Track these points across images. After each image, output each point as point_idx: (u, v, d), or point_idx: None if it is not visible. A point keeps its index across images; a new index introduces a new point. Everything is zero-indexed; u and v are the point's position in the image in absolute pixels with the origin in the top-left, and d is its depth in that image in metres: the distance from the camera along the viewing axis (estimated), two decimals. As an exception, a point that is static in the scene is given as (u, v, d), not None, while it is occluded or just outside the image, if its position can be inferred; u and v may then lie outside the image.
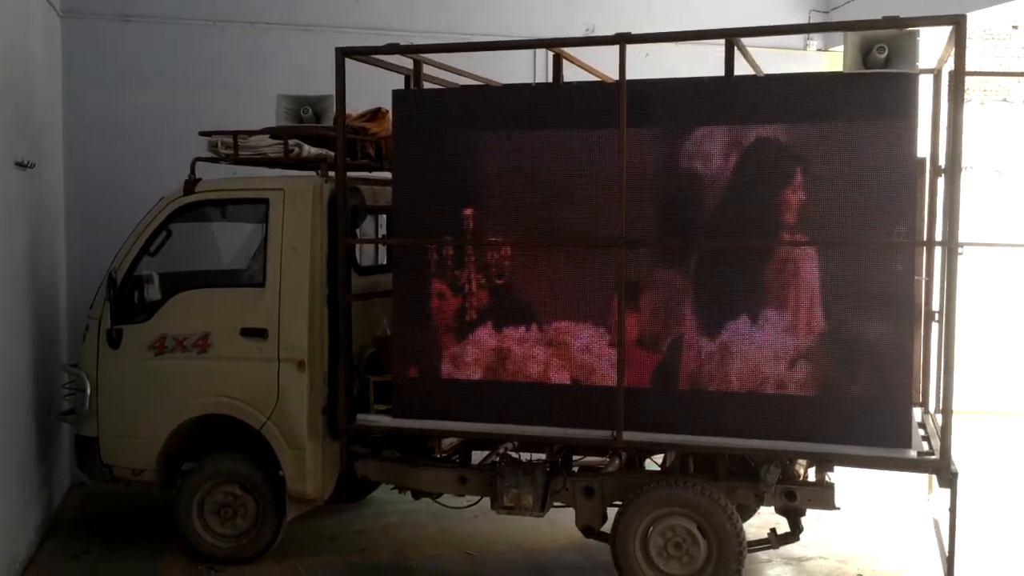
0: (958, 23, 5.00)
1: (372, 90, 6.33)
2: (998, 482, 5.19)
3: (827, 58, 9.01)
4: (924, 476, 6.48)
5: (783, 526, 5.94)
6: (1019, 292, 8.90)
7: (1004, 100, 8.37)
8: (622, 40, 5.40)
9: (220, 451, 6.51)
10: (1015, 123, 5.21)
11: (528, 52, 8.16)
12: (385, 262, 7.06)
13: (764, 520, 6.28)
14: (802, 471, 5.90)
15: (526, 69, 8.18)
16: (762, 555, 6.19)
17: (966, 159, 6.04)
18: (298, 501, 6.29)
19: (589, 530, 5.98)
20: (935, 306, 6.31)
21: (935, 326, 6.27)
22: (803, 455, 5.57)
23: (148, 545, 6.72)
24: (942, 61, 6.02)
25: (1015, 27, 11.70)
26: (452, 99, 5.97)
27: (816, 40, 9.06)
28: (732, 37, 5.48)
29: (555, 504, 6.02)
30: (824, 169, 5.29)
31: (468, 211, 5.87)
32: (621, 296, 5.53)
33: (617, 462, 6.19)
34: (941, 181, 6.11)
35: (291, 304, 6.20)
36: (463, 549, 6.67)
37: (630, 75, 5.39)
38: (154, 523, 7.08)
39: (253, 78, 7.93)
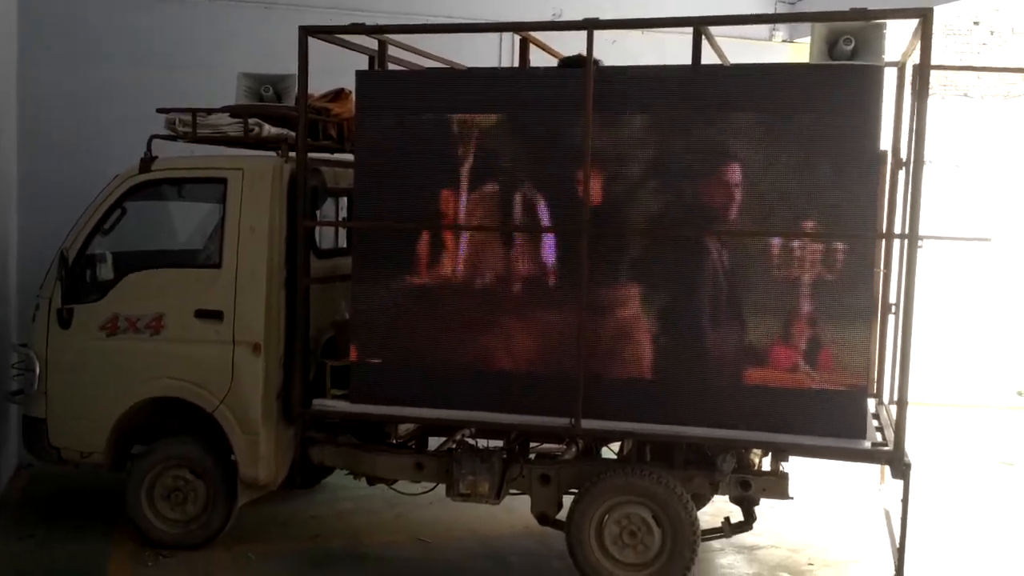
0: (925, 16, 5.02)
1: (335, 70, 6.23)
2: (948, 473, 5.25)
3: (792, 49, 9.04)
4: (876, 466, 6.51)
5: (736, 515, 5.96)
6: (973, 286, 9.05)
7: (964, 95, 8.45)
8: (590, 26, 5.35)
9: (171, 434, 6.39)
10: (974, 118, 5.24)
11: (494, 36, 8.08)
12: (345, 245, 6.97)
13: (717, 508, 6.29)
14: (757, 461, 5.92)
15: (492, 53, 8.11)
16: (714, 544, 6.21)
17: (926, 153, 6.10)
18: (250, 486, 6.19)
19: (544, 518, 5.95)
20: (892, 298, 6.34)
21: (891, 318, 6.31)
22: (759, 444, 5.59)
23: (96, 529, 6.58)
24: (907, 55, 6.04)
25: (976, 23, 11.83)
26: (418, 81, 5.90)
27: (781, 31, 9.09)
28: (700, 25, 5.46)
29: (511, 491, 5.99)
30: (786, 159, 5.28)
31: (431, 195, 5.79)
32: (583, 283, 5.49)
33: (574, 450, 6.17)
34: (901, 174, 6.17)
35: (248, 286, 6.09)
36: (418, 536, 6.62)
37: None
38: (103, 506, 6.94)
39: (214, 55, 7.79)
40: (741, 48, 7.10)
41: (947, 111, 5.89)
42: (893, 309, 6.30)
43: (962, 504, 7.17)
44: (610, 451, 6.55)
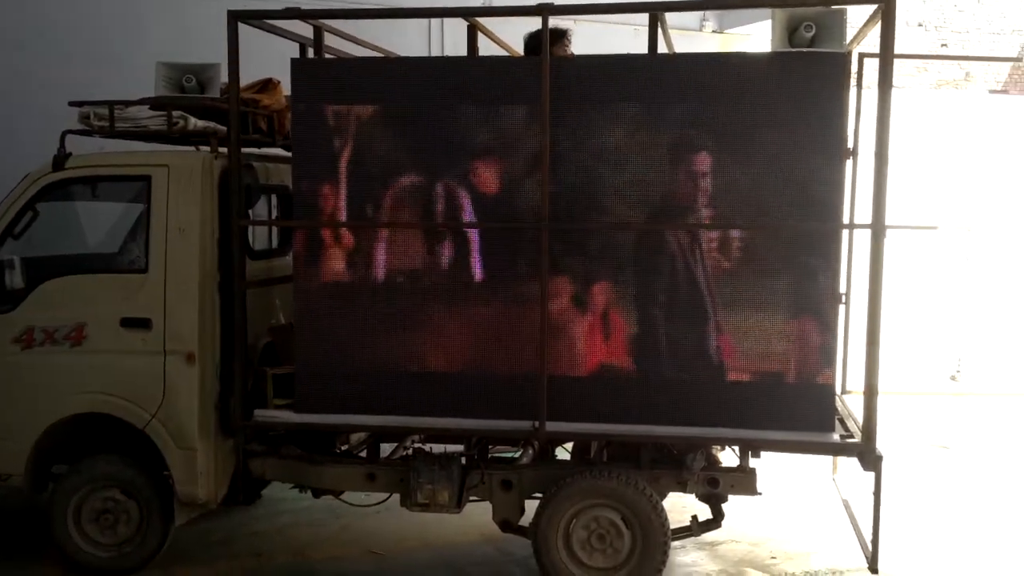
0: (887, 3, 4.91)
1: (258, 60, 5.80)
2: (888, 459, 5.32)
3: (721, 40, 8.96)
4: (828, 456, 6.52)
5: (694, 511, 5.86)
6: (905, 274, 9.17)
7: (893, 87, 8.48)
8: (544, 11, 5.10)
9: (98, 452, 5.94)
10: (901, 109, 5.26)
11: (423, 25, 7.75)
12: (278, 246, 6.60)
13: (672, 504, 6.16)
14: (720, 457, 5.82)
15: (420, 42, 7.77)
16: (675, 541, 6.06)
17: (851, 143, 6.07)
18: (188, 505, 5.80)
19: (507, 524, 5.73)
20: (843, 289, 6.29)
21: (842, 308, 6.27)
22: (728, 441, 5.47)
23: (19, 555, 6.12)
24: (857, 42, 5.95)
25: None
26: (358, 70, 5.52)
27: (711, 21, 8.98)
28: (656, 10, 5.27)
29: (471, 499, 5.74)
30: (749, 150, 5.15)
31: (377, 191, 5.47)
32: (543, 280, 5.27)
33: (531, 452, 5.96)
34: (849, 164, 6.12)
35: (178, 291, 5.67)
36: (368, 548, 6.32)
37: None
38: (27, 530, 6.47)
39: (128, 46, 7.28)
40: (672, 38, 6.91)
41: (868, 101, 5.90)
42: (843, 299, 6.26)
43: (904, 488, 7.23)
44: (564, 451, 6.38)
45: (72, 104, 5.81)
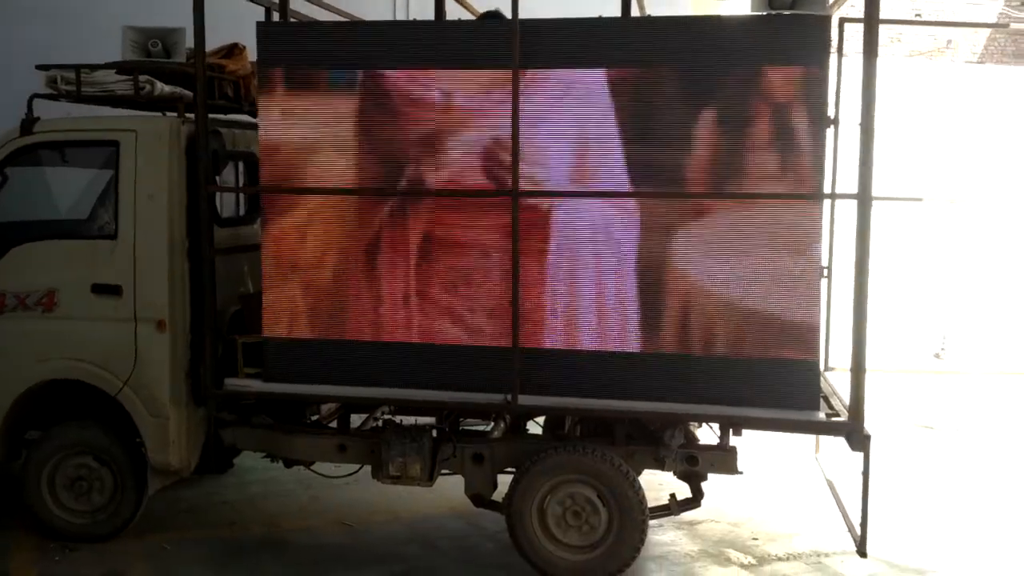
0: (871, -36, 4.66)
1: (224, 25, 5.66)
2: (872, 438, 5.18)
3: (696, 4, 8.64)
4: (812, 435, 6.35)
5: (672, 489, 5.73)
6: (889, 248, 8.93)
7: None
8: (511, -29, 4.90)
9: (71, 420, 5.92)
10: (879, 78, 5.06)
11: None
12: (245, 213, 6.49)
13: (648, 481, 6.04)
14: (698, 434, 5.68)
15: (385, 7, 7.55)
16: (652, 520, 5.95)
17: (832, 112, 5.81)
18: (161, 473, 5.77)
19: (479, 499, 5.66)
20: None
21: (824, 283, 6.07)
22: (708, 418, 5.33)
23: (-8, 522, 6.12)
24: (836, 6, 5.67)
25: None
26: (326, 34, 5.35)
27: (687, -15, 8.65)
28: (631, -28, 5.05)
29: (443, 472, 5.65)
30: (729, 116, 4.96)
31: (343, 157, 5.34)
32: (515, 250, 5.13)
33: (502, 426, 5.85)
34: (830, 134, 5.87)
35: (148, 258, 5.60)
36: (339, 519, 6.27)
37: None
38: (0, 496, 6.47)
39: (92, 8, 7.10)
40: (645, 2, 6.66)
41: (851, 69, 5.67)
42: (825, 273, 6.06)
43: (889, 469, 7.05)
44: (536, 424, 6.27)
45: (39, 67, 5.72)
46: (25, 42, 6.49)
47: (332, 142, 5.33)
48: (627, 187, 5.09)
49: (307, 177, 5.38)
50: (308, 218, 5.42)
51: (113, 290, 5.65)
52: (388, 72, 5.22)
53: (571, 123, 5.10)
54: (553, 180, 5.16)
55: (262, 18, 6.00)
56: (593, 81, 5.05)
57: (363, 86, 5.26)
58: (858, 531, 5.16)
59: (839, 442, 5.19)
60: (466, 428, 6.01)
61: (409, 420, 5.93)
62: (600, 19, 5.08)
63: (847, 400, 5.11)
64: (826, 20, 4.85)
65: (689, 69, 4.95)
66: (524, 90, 5.02)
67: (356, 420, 6.19)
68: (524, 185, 5.11)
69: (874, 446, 5.04)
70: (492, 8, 5.09)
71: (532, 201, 5.17)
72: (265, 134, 5.40)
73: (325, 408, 6.18)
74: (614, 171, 5.10)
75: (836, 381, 5.87)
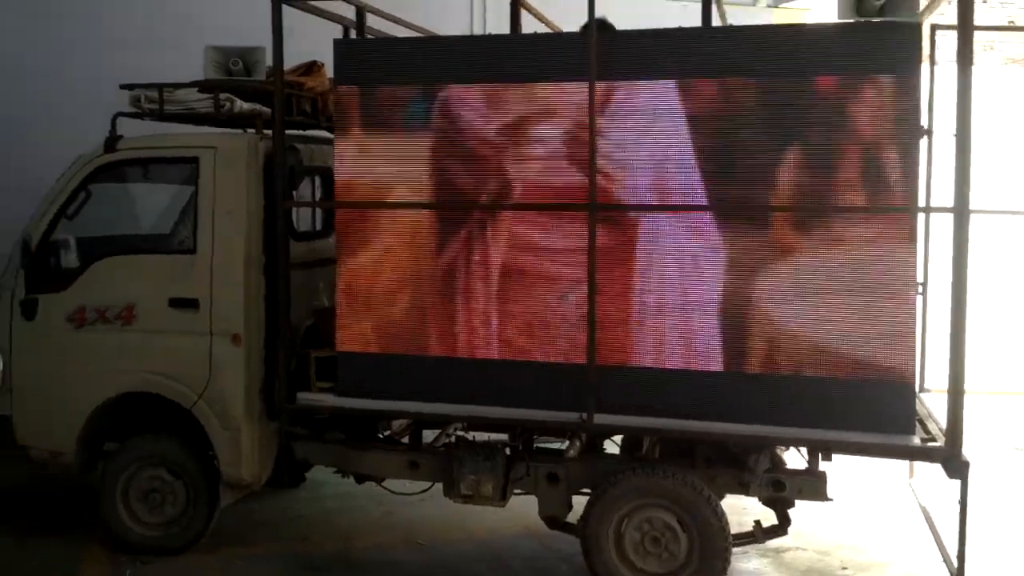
0: (963, -33, 4.50)
1: (303, 43, 5.75)
2: (982, 465, 4.89)
3: (777, 15, 8.49)
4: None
5: (757, 515, 5.54)
6: (988, 265, 8.62)
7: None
8: (589, -18, 4.85)
9: (146, 432, 5.97)
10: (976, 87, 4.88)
11: (466, 6, 7.52)
12: (320, 228, 6.52)
13: (732, 506, 5.85)
14: (785, 458, 5.47)
15: (463, 21, 7.57)
16: (736, 547, 5.73)
17: (925, 122, 5.62)
18: (233, 486, 5.78)
19: (554, 521, 5.53)
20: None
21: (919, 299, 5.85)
22: (797, 442, 5.11)
23: (68, 533, 6.18)
24: (928, 12, 5.50)
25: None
26: (402, 50, 5.37)
27: (768, -7, 8.54)
28: (711, -19, 4.97)
29: (515, 492, 5.54)
30: (819, 127, 4.79)
31: (419, 172, 5.32)
32: (591, 265, 5.02)
33: (578, 444, 5.73)
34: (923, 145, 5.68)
35: (225, 273, 5.65)
36: (411, 538, 6.20)
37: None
38: (75, 508, 6.54)
39: (176, 30, 7.30)
40: (726, 13, 6.56)
41: (943, 78, 5.49)
42: (920, 290, 5.83)
43: (986, 495, 6.71)
44: (613, 443, 6.13)
45: (123, 87, 5.86)
46: (116, 67, 6.62)
47: (407, 156, 5.31)
48: (709, 200, 4.97)
49: (383, 193, 5.37)
50: (383, 233, 5.41)
51: (190, 304, 5.71)
52: (465, 87, 5.19)
53: (652, 137, 5.00)
54: (635, 193, 5.06)
55: (341, 36, 6.05)
56: (672, 93, 4.95)
57: (438, 101, 5.24)
58: (955, 562, 4.86)
59: (935, 467, 4.92)
60: (541, 446, 5.90)
61: (482, 437, 5.85)
62: (685, 29, 5.00)
63: (943, 423, 4.84)
64: (917, 27, 4.68)
65: (773, 79, 4.81)
66: (601, 101, 4.95)
67: (429, 436, 6.11)
68: (605, 198, 5.03)
69: (972, 472, 4.79)
70: (599, 16, 5.02)
71: (612, 216, 5.08)
72: (340, 149, 5.41)
73: (397, 424, 6.14)
74: (696, 185, 4.97)
75: (932, 403, 5.61)
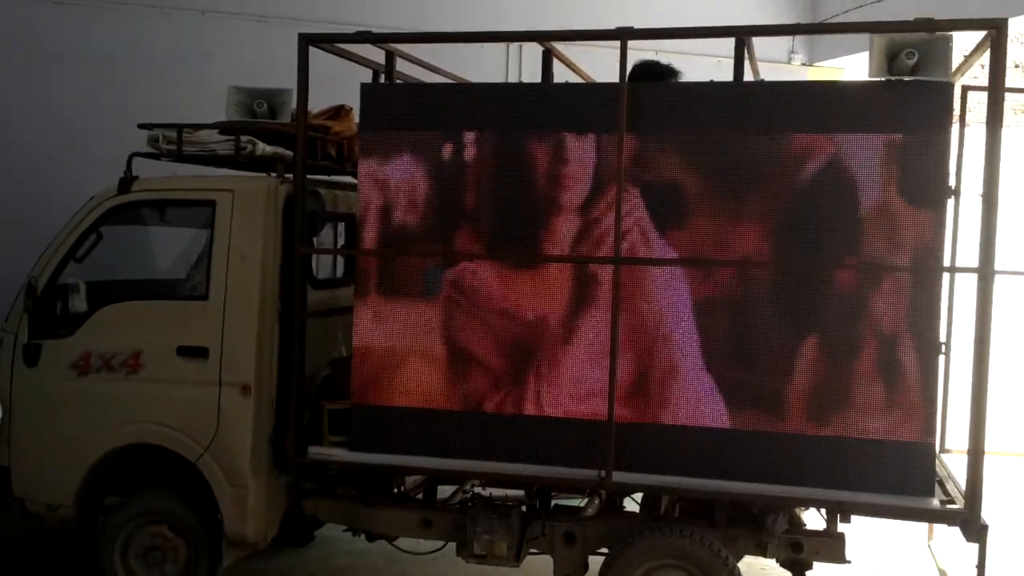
0: (999, 29, 4.52)
1: (332, 87, 5.67)
2: (998, 526, 4.83)
3: (812, 73, 8.59)
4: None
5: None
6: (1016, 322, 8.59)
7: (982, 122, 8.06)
8: (623, 35, 4.83)
9: (149, 486, 5.75)
10: (1004, 148, 4.92)
11: (501, 55, 7.57)
12: (343, 275, 6.39)
13: (749, 566, 5.69)
14: (804, 518, 5.36)
15: (497, 71, 7.60)
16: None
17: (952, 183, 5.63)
18: (237, 544, 5.55)
19: (569, 581, 5.35)
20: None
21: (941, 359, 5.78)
22: (816, 503, 5.01)
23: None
24: (960, 73, 5.54)
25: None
26: (428, 95, 5.32)
27: (800, 53, 8.62)
28: (743, 35, 4.97)
29: (531, 551, 5.38)
30: (848, 185, 4.76)
31: (442, 221, 5.23)
32: (615, 320, 4.93)
33: (596, 502, 5.58)
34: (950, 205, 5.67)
35: (237, 320, 5.48)
36: (424, 599, 6.00)
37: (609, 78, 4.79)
38: (72, 565, 6.29)
39: (198, 70, 7.28)
40: (760, 71, 6.61)
41: (971, 139, 5.57)
42: (943, 349, 5.78)
43: (1007, 560, 6.59)
44: (633, 501, 5.97)
45: (141, 127, 5.74)
46: (137, 106, 6.54)
47: (430, 204, 5.23)
48: (734, 254, 4.92)
49: (403, 239, 5.28)
50: (401, 283, 5.30)
51: (199, 352, 5.53)
52: (489, 133, 5.14)
53: (678, 189, 4.96)
54: (656, 248, 5.00)
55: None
56: (704, 145, 4.92)
57: (462, 148, 5.18)
58: None
59: (954, 528, 4.85)
60: (558, 503, 5.73)
61: (500, 492, 5.68)
62: (712, 83, 4.99)
63: (963, 485, 4.80)
64: (949, 87, 4.71)
65: (806, 136, 4.79)
66: (634, 153, 4.90)
67: (444, 492, 5.93)
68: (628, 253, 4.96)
69: (992, 535, 4.69)
70: (650, 59, 4.97)
71: (634, 270, 5.01)
72: (363, 195, 5.32)
73: (411, 480, 5.95)
74: (722, 237, 4.93)
75: (952, 463, 5.53)
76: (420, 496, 5.82)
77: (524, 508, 5.40)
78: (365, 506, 5.61)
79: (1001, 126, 4.63)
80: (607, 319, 4.97)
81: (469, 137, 5.17)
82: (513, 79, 7.46)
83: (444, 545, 5.67)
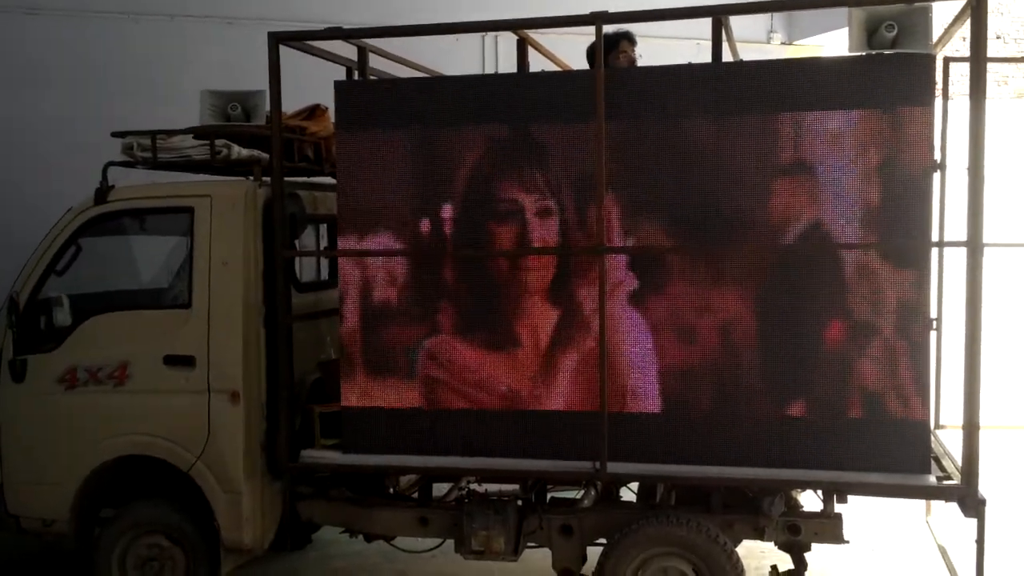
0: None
1: (306, 87, 5.62)
2: (1001, 503, 4.80)
3: (791, 52, 8.52)
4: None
5: (771, 558, 5.36)
6: (1002, 296, 8.55)
7: (965, 95, 8.01)
8: (598, 19, 4.77)
9: (143, 497, 5.71)
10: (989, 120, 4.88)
11: (476, 47, 7.49)
12: (327, 277, 6.34)
13: (748, 549, 5.66)
14: (800, 500, 5.34)
15: (473, 64, 7.51)
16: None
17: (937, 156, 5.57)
18: (234, 552, 5.51)
19: (568, 573, 5.32)
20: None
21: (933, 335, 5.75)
22: (812, 484, 4.98)
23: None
24: (941, 44, 5.48)
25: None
26: (405, 91, 5.24)
27: (780, 32, 8.55)
28: (719, 14, 4.90)
29: (528, 545, 5.35)
30: (831, 162, 4.72)
31: (425, 218, 5.18)
32: (602, 309, 4.89)
33: (592, 493, 5.55)
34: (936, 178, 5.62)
35: (222, 327, 5.43)
36: (424, 596, 5.98)
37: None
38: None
39: (171, 76, 7.17)
40: (739, 51, 6.54)
41: (954, 112, 5.52)
42: (934, 324, 5.75)
43: (1005, 534, 6.56)
44: (629, 491, 5.95)
45: (115, 135, 5.68)
46: (109, 116, 6.43)
47: (412, 202, 5.17)
48: (722, 238, 4.86)
49: (386, 238, 5.23)
50: (387, 281, 5.24)
51: (186, 361, 5.48)
52: (467, 127, 5.07)
53: (659, 175, 4.91)
54: (644, 233, 4.95)
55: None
56: (682, 129, 4.87)
57: (443, 143, 5.12)
58: None
59: (952, 504, 4.83)
60: (555, 496, 5.70)
61: (495, 487, 5.65)
62: (694, 65, 4.92)
63: (959, 460, 4.77)
64: (930, 59, 4.65)
65: (787, 114, 4.74)
66: (611, 140, 4.85)
67: (440, 489, 5.90)
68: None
69: (989, 510, 4.66)
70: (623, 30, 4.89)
71: (620, 257, 4.97)
72: (342, 195, 5.26)
73: (405, 479, 5.92)
74: (709, 221, 4.88)
75: (947, 439, 5.50)
76: (415, 495, 5.78)
77: (520, 502, 5.37)
78: (361, 507, 5.58)
79: (985, 97, 4.58)
80: (594, 310, 4.92)
81: (445, 132, 5.09)
82: (490, 71, 7.38)
83: (442, 543, 5.64)
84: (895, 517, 6.82)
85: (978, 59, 4.53)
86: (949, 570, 5.48)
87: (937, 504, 6.18)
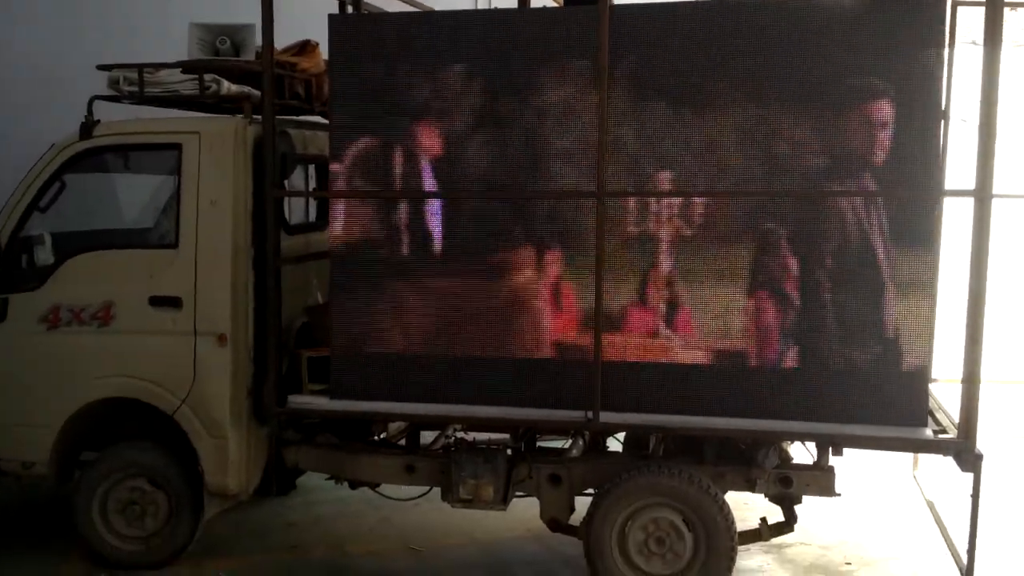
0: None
1: (295, 23, 5.47)
2: (994, 458, 4.78)
3: None
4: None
5: (760, 510, 5.35)
6: (1012, 250, 8.49)
7: (972, 43, 7.86)
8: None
9: (126, 439, 5.62)
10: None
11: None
12: (315, 219, 6.22)
13: (734, 502, 5.62)
14: (792, 452, 5.31)
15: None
16: (740, 545, 5.54)
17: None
18: (218, 496, 5.45)
19: (556, 523, 5.29)
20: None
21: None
22: (806, 436, 4.93)
23: (42, 549, 5.81)
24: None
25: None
26: (402, 25, 5.07)
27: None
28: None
29: (517, 494, 5.31)
30: (836, 108, 4.62)
31: (419, 157, 5.06)
32: (600, 257, 4.81)
33: (581, 443, 5.51)
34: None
35: (210, 268, 5.32)
36: (408, 543, 5.91)
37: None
38: (50, 522, 6.18)
39: (156, 9, 6.92)
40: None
41: (959, 59, 5.41)
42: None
43: (996, 488, 6.57)
44: (616, 440, 5.91)
45: (100, 68, 5.51)
46: (97, 52, 6.21)
47: (406, 141, 5.05)
48: (720, 184, 4.78)
49: (379, 179, 5.11)
50: (378, 224, 5.14)
51: (173, 302, 5.38)
52: (466, 64, 4.93)
53: (662, 117, 4.81)
54: (641, 179, 4.86)
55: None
56: (679, 69, 4.76)
57: (440, 81, 4.98)
58: (964, 557, 4.73)
59: (940, 459, 4.81)
60: (543, 445, 5.66)
61: (483, 437, 5.60)
62: (690, 3, 4.79)
63: (954, 414, 4.73)
64: (941, 2, 4.54)
65: (788, 56, 4.64)
66: (613, 84, 4.74)
67: (427, 438, 5.85)
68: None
69: (985, 464, 4.64)
70: None
71: (618, 203, 4.88)
72: (335, 133, 5.13)
73: (393, 426, 5.86)
74: (708, 168, 4.79)
75: (940, 393, 5.47)
76: (403, 442, 5.72)
77: (509, 451, 5.32)
78: (348, 454, 5.52)
79: (1000, 44, 4.46)
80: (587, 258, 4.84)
81: (443, 69, 4.97)
82: (483, 6, 7.22)
83: (428, 491, 5.59)
84: (882, 472, 6.82)
85: (994, 3, 4.42)
86: (938, 524, 5.48)
87: (925, 458, 6.19)
